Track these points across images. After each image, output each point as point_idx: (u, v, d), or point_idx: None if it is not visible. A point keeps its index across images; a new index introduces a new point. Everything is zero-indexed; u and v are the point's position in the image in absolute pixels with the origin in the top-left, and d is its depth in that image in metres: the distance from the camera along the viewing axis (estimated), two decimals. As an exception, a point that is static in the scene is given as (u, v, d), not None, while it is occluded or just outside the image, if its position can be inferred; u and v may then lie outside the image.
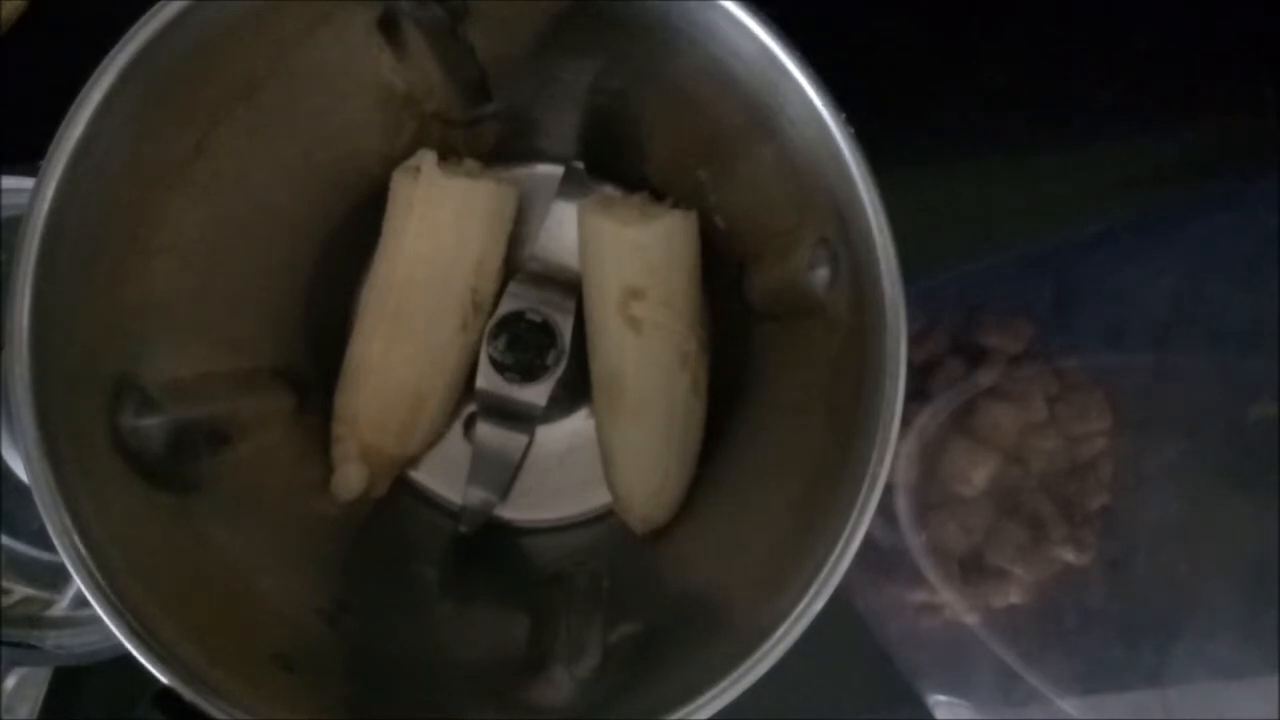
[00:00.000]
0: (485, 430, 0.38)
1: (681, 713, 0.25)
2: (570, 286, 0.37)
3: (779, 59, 0.26)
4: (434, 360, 0.36)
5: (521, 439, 0.39)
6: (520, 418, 0.37)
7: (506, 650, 0.33)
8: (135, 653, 0.25)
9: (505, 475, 0.39)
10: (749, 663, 0.25)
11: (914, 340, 0.29)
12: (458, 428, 0.40)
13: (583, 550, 0.39)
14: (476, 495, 0.39)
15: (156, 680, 0.25)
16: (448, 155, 0.36)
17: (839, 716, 0.44)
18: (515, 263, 0.38)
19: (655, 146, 0.37)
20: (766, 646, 0.25)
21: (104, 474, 0.27)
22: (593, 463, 0.39)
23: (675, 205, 0.36)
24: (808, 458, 0.30)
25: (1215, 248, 0.41)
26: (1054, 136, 0.45)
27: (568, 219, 0.39)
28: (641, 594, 0.34)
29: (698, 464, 0.37)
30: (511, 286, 0.37)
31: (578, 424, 0.40)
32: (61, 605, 0.38)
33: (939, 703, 0.42)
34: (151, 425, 0.29)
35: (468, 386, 0.37)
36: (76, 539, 0.25)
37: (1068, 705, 0.40)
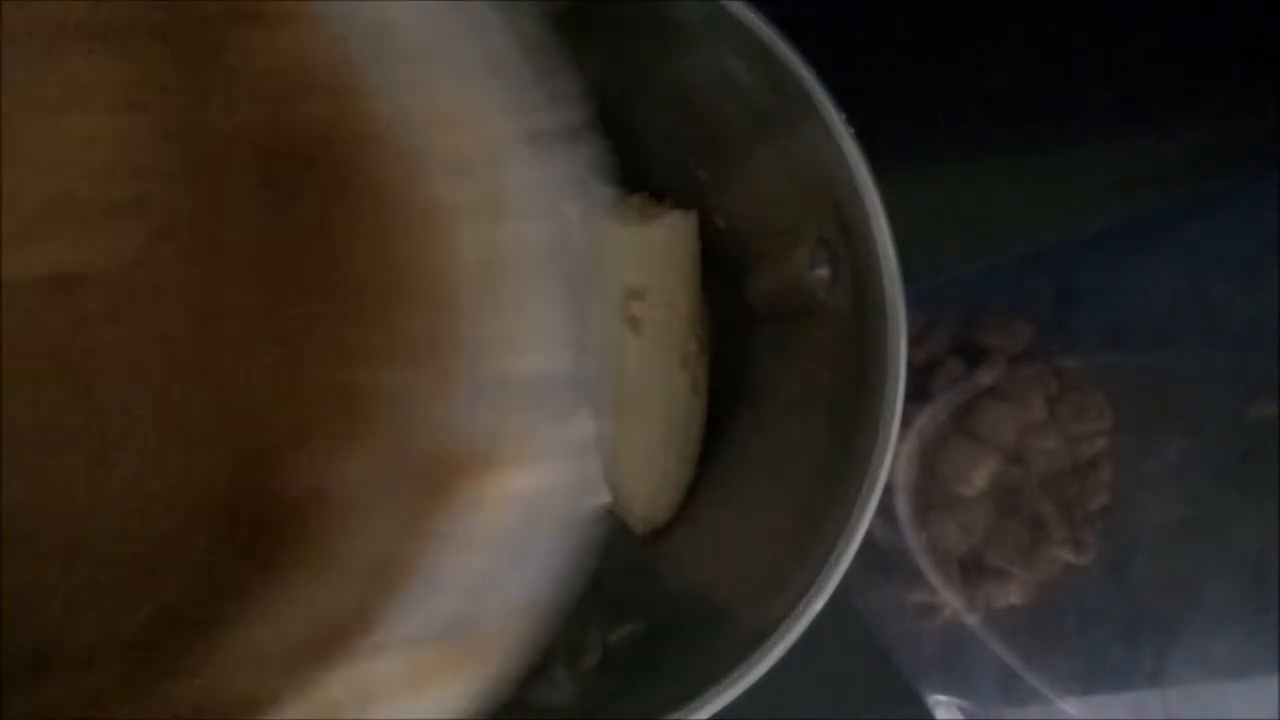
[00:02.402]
0: (485, 430, 0.38)
1: (681, 713, 0.25)
2: (570, 286, 0.37)
3: (779, 59, 0.26)
4: (434, 360, 0.36)
5: (521, 439, 0.39)
6: (520, 418, 0.37)
7: (506, 650, 0.33)
8: (135, 653, 0.25)
9: (505, 475, 0.39)
10: (749, 663, 0.25)
11: (914, 340, 0.29)
12: (458, 428, 0.40)
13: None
14: (476, 495, 0.38)
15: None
16: (448, 155, 0.36)
17: (839, 716, 0.44)
18: (515, 263, 0.38)
19: (655, 146, 0.37)
20: (766, 646, 0.25)
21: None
22: (593, 463, 0.39)
23: (675, 205, 0.36)
24: (808, 458, 0.30)
25: (1215, 248, 0.41)
26: (1054, 136, 0.45)
27: (568, 219, 0.38)
28: (641, 594, 0.34)
29: (698, 464, 0.37)
30: (511, 286, 0.36)
31: (578, 424, 0.40)
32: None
33: (939, 703, 0.42)
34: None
35: (468, 386, 0.37)
36: (76, 539, 0.25)
37: (1068, 705, 0.40)
